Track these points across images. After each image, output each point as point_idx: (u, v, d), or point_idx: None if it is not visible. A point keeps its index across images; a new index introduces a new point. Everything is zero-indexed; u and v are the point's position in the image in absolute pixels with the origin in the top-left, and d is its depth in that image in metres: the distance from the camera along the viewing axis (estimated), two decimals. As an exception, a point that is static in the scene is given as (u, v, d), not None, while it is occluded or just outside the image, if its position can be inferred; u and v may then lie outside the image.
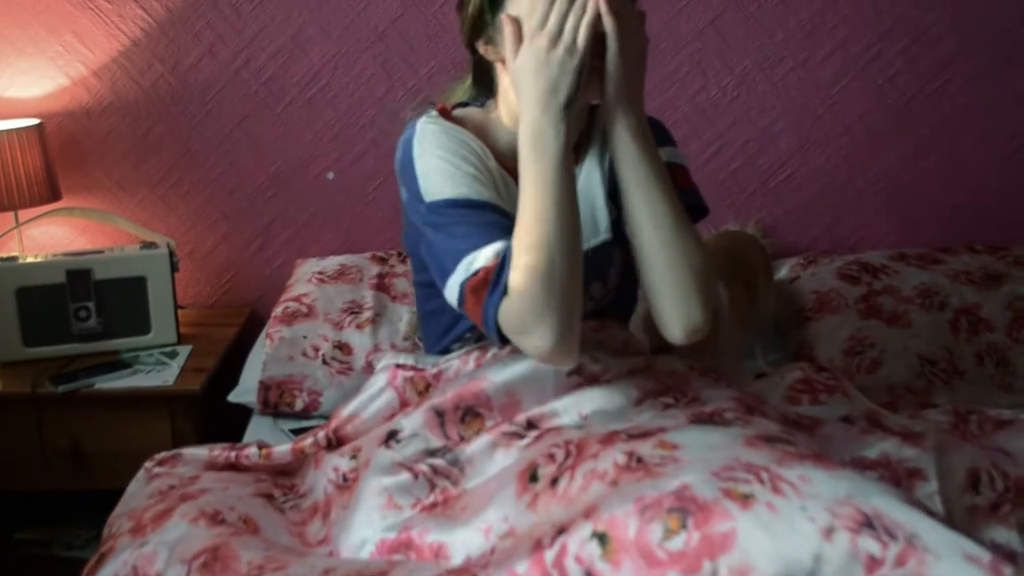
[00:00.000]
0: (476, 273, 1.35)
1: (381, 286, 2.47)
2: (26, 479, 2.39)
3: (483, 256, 1.35)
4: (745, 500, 1.09)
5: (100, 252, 2.47)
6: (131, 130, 2.68)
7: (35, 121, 2.55)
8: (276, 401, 2.22)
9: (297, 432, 2.11)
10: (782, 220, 2.72)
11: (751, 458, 1.16)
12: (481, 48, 1.50)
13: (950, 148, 2.66)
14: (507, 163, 1.48)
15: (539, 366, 1.43)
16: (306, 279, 2.53)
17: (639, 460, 1.21)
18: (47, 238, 2.74)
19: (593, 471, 1.23)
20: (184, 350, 2.48)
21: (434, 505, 1.36)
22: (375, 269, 2.55)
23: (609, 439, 1.28)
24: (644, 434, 1.28)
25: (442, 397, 1.45)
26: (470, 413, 1.45)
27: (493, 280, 1.33)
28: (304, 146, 2.69)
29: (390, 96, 2.63)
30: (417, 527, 1.32)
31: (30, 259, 2.42)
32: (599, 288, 1.56)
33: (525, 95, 1.35)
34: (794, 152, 2.67)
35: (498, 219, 1.39)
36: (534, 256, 1.30)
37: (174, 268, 2.48)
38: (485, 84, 1.60)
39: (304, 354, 2.29)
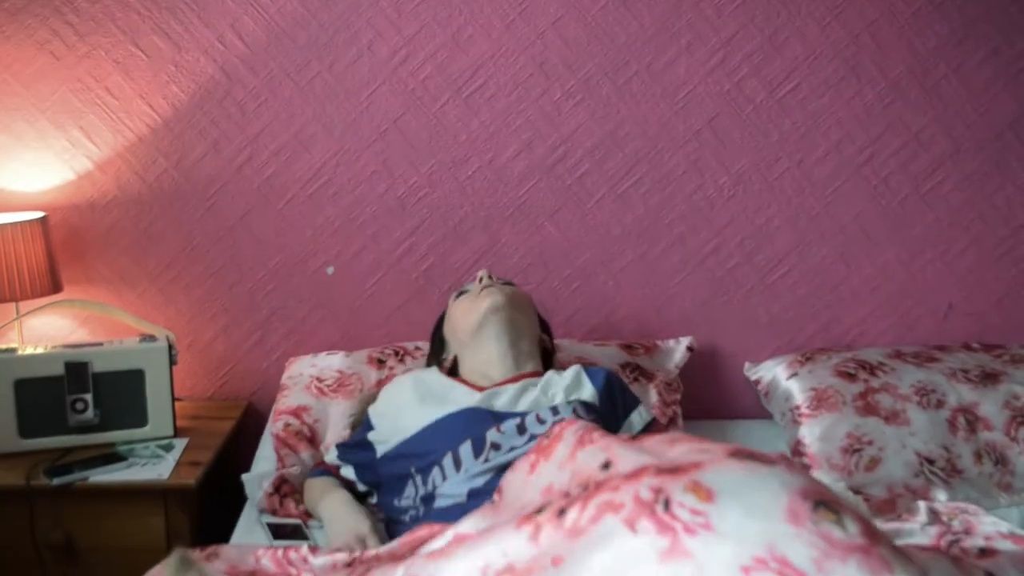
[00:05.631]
0: (323, 458, 2.26)
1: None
2: (18, 573, 2.36)
3: (331, 456, 2.22)
4: None
5: (99, 345, 2.47)
6: (134, 223, 2.71)
7: (39, 214, 2.58)
8: (289, 492, 2.19)
9: (273, 527, 2.08)
10: (779, 317, 2.74)
11: (789, 549, 1.04)
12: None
13: (944, 248, 2.69)
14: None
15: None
16: (303, 385, 2.51)
17: (666, 504, 1.10)
18: (47, 329, 2.75)
19: (609, 503, 1.14)
20: (180, 443, 2.46)
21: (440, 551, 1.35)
22: (374, 374, 2.53)
23: (636, 475, 1.18)
24: (676, 469, 1.16)
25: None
26: None
27: (316, 470, 2.22)
28: (304, 241, 2.72)
29: (391, 193, 2.67)
30: (419, 571, 1.29)
31: (29, 350, 2.42)
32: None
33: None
34: (790, 250, 2.70)
35: (360, 453, 2.15)
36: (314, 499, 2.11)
37: (172, 361, 2.48)
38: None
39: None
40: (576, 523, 1.14)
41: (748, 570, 1.03)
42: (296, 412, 2.43)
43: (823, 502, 1.10)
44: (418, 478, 1.96)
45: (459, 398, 2.08)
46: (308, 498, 2.14)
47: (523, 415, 1.98)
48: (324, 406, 2.45)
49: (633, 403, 2.17)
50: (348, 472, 2.16)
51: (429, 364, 2.41)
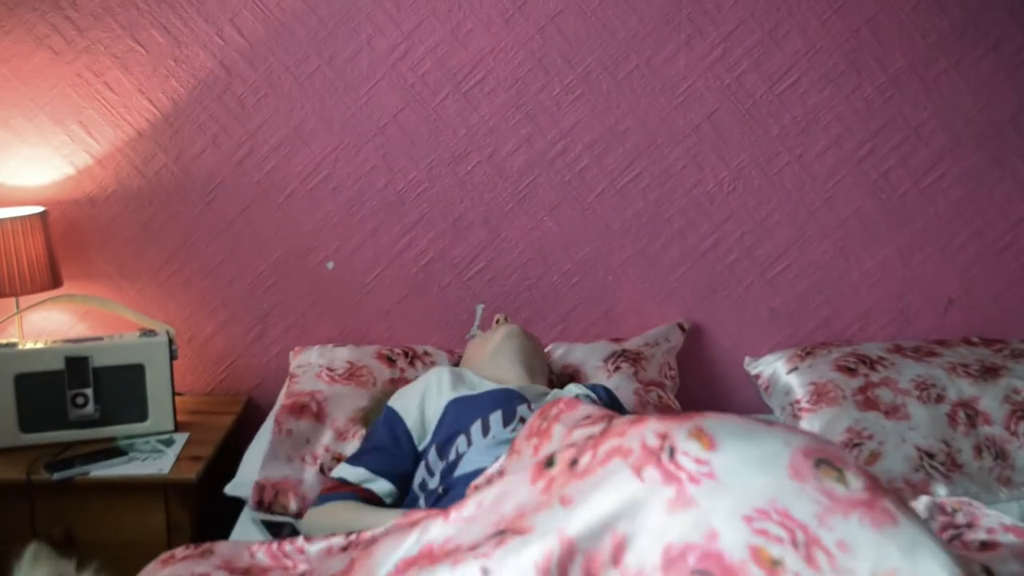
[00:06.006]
0: (339, 477, 2.03)
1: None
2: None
3: (351, 473, 2.03)
4: (773, 567, 1.02)
5: (99, 339, 2.47)
6: (134, 218, 2.71)
7: (39, 209, 2.58)
8: (271, 501, 2.16)
9: (267, 524, 2.08)
10: (779, 311, 2.74)
11: (791, 504, 1.07)
12: None
13: (944, 242, 2.69)
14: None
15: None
16: (313, 373, 2.50)
17: (671, 452, 1.13)
18: (47, 324, 2.75)
19: (618, 448, 1.17)
20: (181, 438, 2.47)
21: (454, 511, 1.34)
22: (386, 372, 2.53)
23: (640, 419, 1.21)
24: (679, 415, 1.19)
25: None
26: None
27: (334, 495, 1.99)
28: (304, 236, 2.72)
29: (391, 188, 2.67)
30: (438, 539, 1.29)
31: (29, 345, 2.42)
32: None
33: None
34: (790, 245, 2.70)
35: (392, 458, 2.04)
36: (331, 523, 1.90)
37: (173, 356, 2.48)
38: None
39: (302, 459, 2.26)
40: (587, 467, 1.17)
41: (750, 520, 1.06)
42: (310, 393, 2.42)
43: (825, 460, 1.12)
44: (438, 454, 1.96)
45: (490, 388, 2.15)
46: (343, 524, 1.87)
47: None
48: (335, 391, 2.44)
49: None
50: (382, 486, 2.01)
51: None
